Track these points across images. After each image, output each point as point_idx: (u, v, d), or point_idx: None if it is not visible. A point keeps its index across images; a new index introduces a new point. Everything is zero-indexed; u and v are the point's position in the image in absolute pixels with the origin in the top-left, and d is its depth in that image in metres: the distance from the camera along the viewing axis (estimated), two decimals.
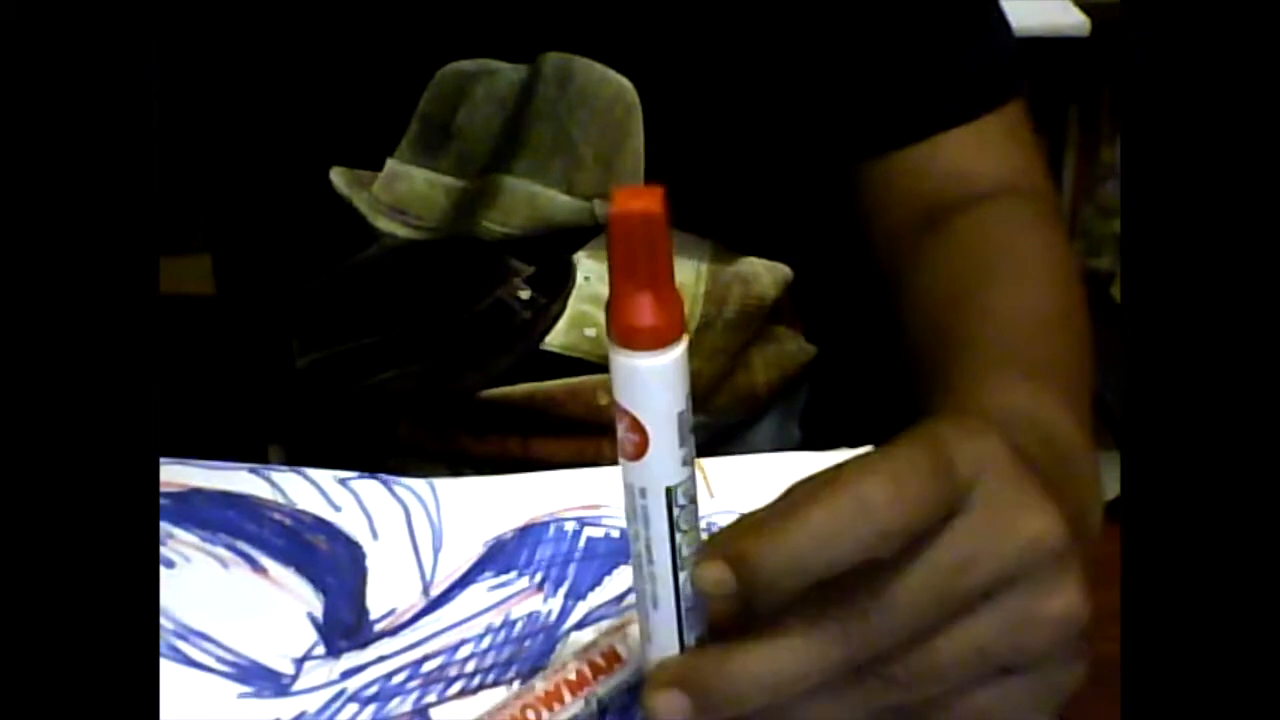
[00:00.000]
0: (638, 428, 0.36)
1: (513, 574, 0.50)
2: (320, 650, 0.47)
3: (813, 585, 0.36)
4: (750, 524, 0.37)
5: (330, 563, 0.51)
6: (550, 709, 0.42)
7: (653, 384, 0.36)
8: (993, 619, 0.37)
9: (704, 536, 0.39)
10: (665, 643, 0.39)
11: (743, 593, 0.36)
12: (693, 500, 0.38)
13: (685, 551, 0.38)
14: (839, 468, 0.37)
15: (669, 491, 0.37)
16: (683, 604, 0.39)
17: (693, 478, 0.38)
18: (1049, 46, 1.36)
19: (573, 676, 0.43)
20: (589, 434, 0.68)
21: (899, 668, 0.37)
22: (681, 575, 0.38)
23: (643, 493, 0.37)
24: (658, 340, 0.35)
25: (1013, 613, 0.38)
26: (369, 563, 0.51)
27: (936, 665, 0.38)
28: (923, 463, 0.36)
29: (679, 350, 0.36)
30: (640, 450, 0.37)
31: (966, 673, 0.38)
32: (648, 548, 0.38)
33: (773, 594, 0.37)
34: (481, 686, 0.46)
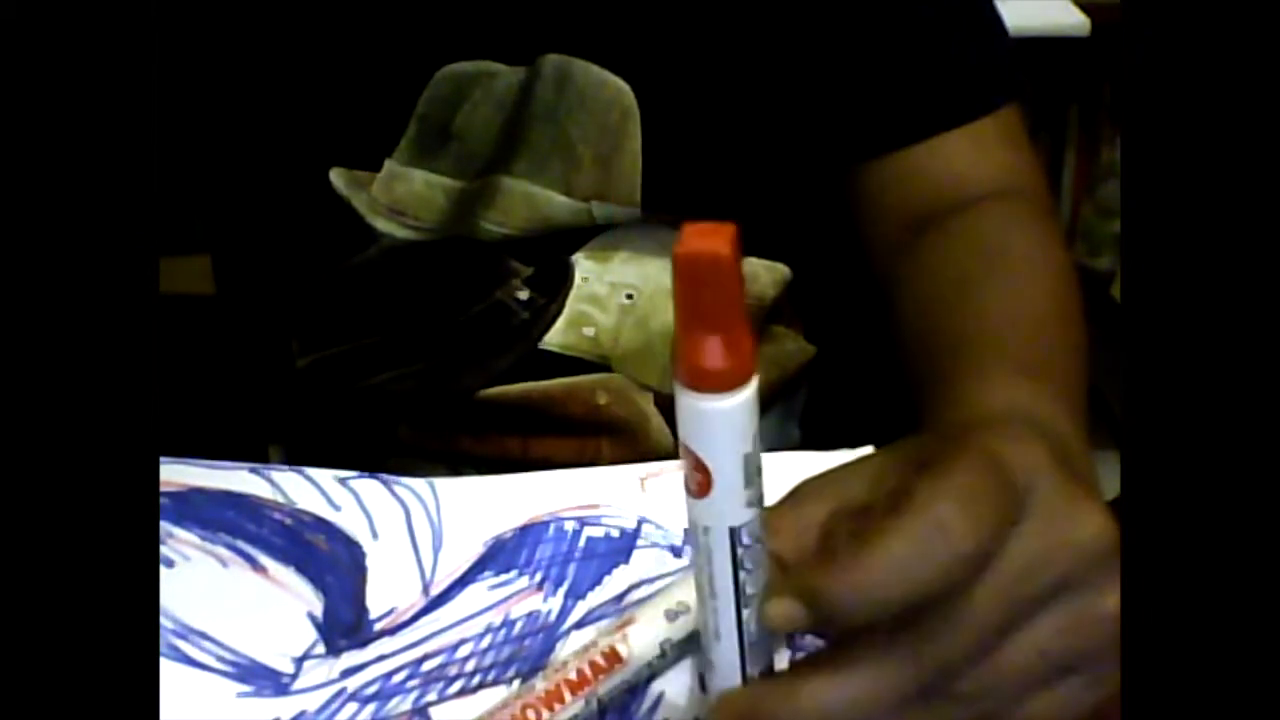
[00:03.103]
0: (701, 468, 0.35)
1: (513, 573, 0.50)
2: (320, 649, 0.47)
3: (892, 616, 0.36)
4: (820, 557, 0.36)
5: (330, 562, 0.51)
6: (550, 709, 0.42)
7: (717, 426, 0.35)
8: (1053, 622, 0.37)
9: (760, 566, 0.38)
10: (728, 675, 0.38)
11: (816, 627, 0.36)
12: (758, 540, 0.37)
13: (749, 590, 0.37)
14: (903, 491, 0.36)
15: (732, 532, 0.36)
16: (745, 639, 0.38)
17: (759, 518, 0.36)
18: (1049, 46, 1.36)
19: (573, 676, 0.43)
20: (588, 433, 0.68)
21: (965, 683, 0.37)
22: (745, 612, 0.37)
23: (705, 530, 0.36)
24: (724, 383, 0.34)
25: (1072, 614, 0.37)
26: (369, 562, 0.51)
27: (1001, 675, 0.37)
28: (988, 481, 0.36)
29: (747, 393, 0.34)
30: (704, 490, 0.35)
31: (1029, 678, 0.38)
32: (711, 583, 0.37)
33: (848, 626, 0.36)
34: (481, 685, 0.46)
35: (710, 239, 0.33)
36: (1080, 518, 0.38)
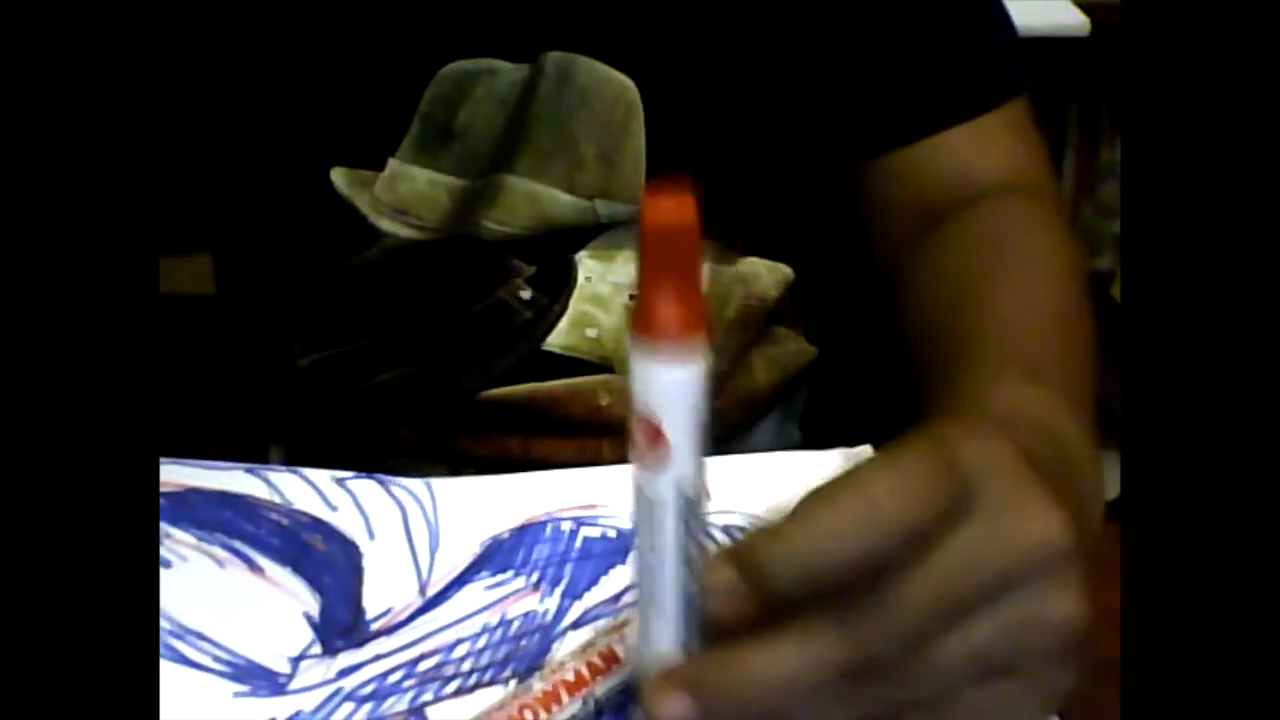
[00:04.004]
0: (657, 435, 0.36)
1: (509, 574, 0.50)
2: (316, 649, 0.47)
3: (821, 588, 0.36)
4: (759, 527, 0.36)
5: (326, 562, 0.51)
6: (548, 710, 0.42)
7: (675, 392, 0.36)
8: (994, 622, 0.37)
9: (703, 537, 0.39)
10: (666, 649, 0.39)
11: (752, 595, 0.36)
12: (704, 509, 0.37)
13: (695, 559, 0.38)
14: (848, 470, 0.36)
15: (683, 501, 0.37)
16: (687, 611, 0.38)
17: (705, 489, 0.37)
18: (1049, 46, 1.36)
19: (570, 677, 0.43)
20: (590, 434, 0.68)
21: (899, 670, 0.37)
22: (689, 585, 0.38)
23: (656, 501, 0.37)
24: (683, 348, 0.35)
25: (1014, 616, 0.37)
26: (365, 562, 0.51)
27: (936, 668, 0.37)
28: (929, 464, 0.36)
29: (701, 358, 0.36)
30: (657, 458, 0.36)
31: (965, 674, 0.38)
32: (657, 556, 0.38)
33: (781, 595, 0.36)
34: (478, 685, 0.46)
35: (675, 204, 0.34)
36: (1030, 518, 0.37)
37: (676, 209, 0.34)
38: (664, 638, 0.39)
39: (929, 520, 0.36)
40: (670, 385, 0.36)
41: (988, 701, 0.38)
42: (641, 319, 0.35)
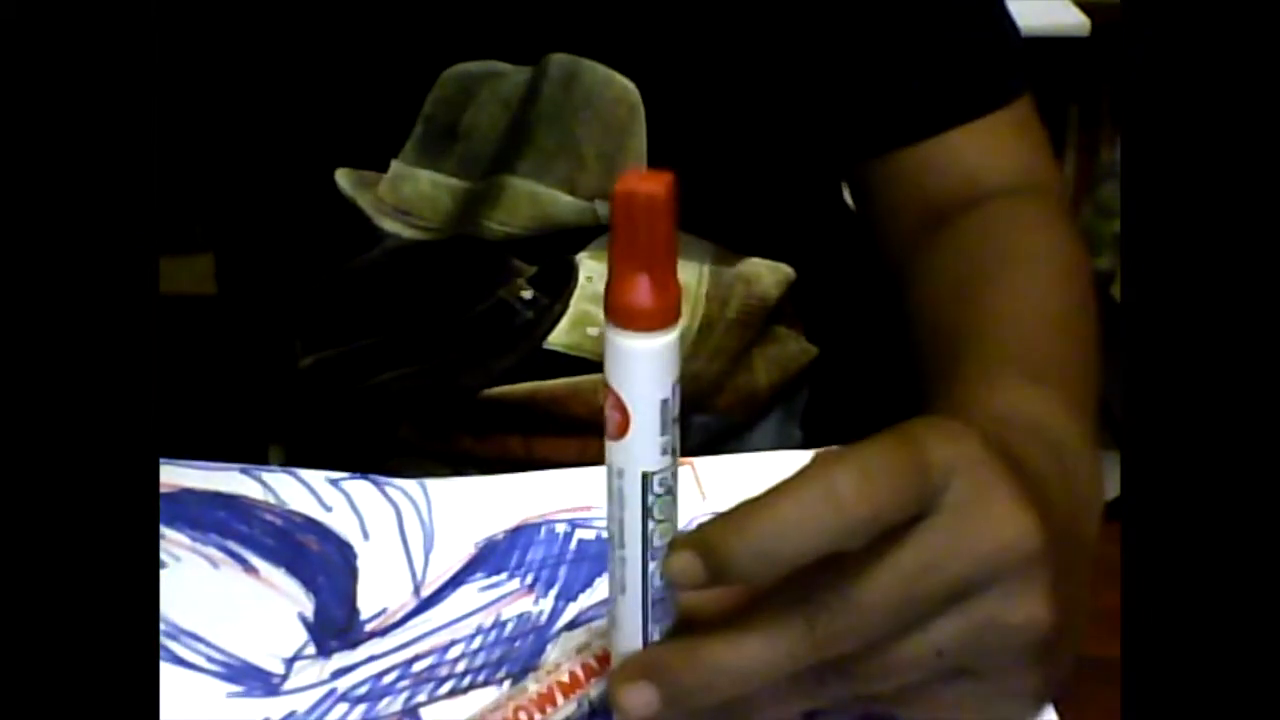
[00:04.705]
0: (620, 407, 0.36)
1: (504, 575, 0.50)
2: (310, 650, 0.47)
3: (783, 578, 0.36)
4: (721, 515, 0.36)
5: (321, 563, 0.50)
6: (543, 711, 0.42)
7: (638, 365, 0.36)
8: (954, 623, 0.37)
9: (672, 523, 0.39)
10: (630, 632, 0.39)
11: (711, 582, 0.36)
12: (670, 492, 0.38)
13: (657, 541, 0.38)
14: (813, 461, 0.36)
15: (644, 476, 0.37)
16: (650, 594, 0.38)
17: (672, 469, 0.38)
18: (1049, 46, 1.36)
19: (565, 679, 0.42)
20: (591, 434, 0.67)
21: (860, 665, 0.37)
22: (651, 565, 0.38)
23: (620, 474, 0.37)
24: (648, 322, 0.35)
25: (975, 618, 0.37)
26: (360, 563, 0.51)
27: (897, 665, 0.38)
28: (894, 459, 0.36)
29: (669, 337, 0.36)
30: (621, 430, 0.37)
31: (925, 672, 0.38)
32: (621, 531, 0.38)
33: (739, 579, 0.37)
34: (472, 686, 0.45)
35: (649, 181, 0.34)
36: (995, 521, 0.37)
37: (649, 181, 0.34)
38: (627, 621, 0.39)
39: (891, 516, 0.36)
40: (632, 356, 0.36)
41: (949, 699, 0.39)
42: (609, 288, 0.35)
